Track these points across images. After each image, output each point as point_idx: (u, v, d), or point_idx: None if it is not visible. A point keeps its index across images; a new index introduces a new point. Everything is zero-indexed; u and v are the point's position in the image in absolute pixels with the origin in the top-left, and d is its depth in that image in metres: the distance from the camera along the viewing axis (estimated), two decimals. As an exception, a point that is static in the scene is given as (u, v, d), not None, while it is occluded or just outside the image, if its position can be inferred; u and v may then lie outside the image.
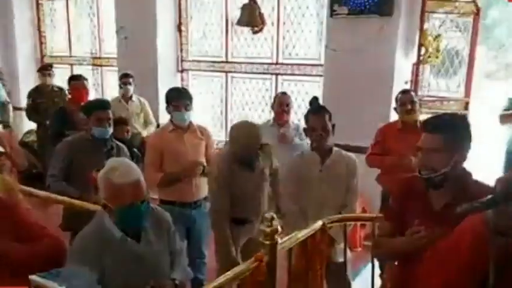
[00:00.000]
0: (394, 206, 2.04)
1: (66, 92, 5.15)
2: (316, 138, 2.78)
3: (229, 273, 1.94)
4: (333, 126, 2.80)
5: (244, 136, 2.84)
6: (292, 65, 5.30)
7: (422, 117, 3.79)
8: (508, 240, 1.00)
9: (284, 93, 4.34)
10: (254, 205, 3.00)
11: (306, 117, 2.84)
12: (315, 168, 2.81)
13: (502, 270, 1.02)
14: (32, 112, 5.64)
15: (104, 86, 6.98)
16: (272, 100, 4.43)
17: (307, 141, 3.96)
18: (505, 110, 4.19)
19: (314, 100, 2.95)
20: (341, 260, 2.80)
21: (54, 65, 6.44)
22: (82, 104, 4.27)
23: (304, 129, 2.89)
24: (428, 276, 1.25)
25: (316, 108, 2.86)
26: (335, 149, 2.85)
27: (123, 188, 1.84)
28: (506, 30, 16.60)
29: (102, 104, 3.26)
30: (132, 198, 1.86)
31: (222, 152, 3.11)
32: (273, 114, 4.26)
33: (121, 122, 4.04)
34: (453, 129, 1.80)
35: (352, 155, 2.92)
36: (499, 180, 1.04)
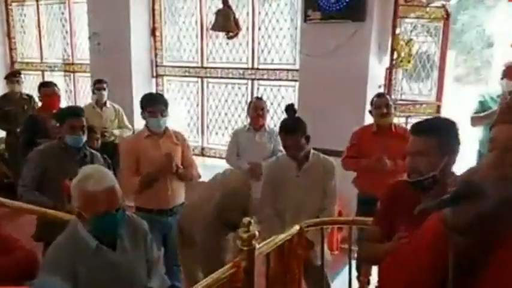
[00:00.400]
0: (382, 210, 2.02)
1: (37, 99, 5.04)
2: (289, 154, 2.84)
3: (207, 280, 1.92)
4: (308, 137, 2.82)
5: (239, 211, 2.61)
6: (267, 70, 5.32)
7: (396, 120, 3.85)
8: (465, 239, 1.01)
9: (259, 98, 4.36)
10: None
11: (280, 134, 2.87)
12: (291, 172, 2.83)
13: (460, 268, 1.03)
14: (1, 120, 5.51)
15: (77, 92, 6.87)
16: (247, 105, 4.44)
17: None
18: (476, 112, 4.28)
19: (289, 108, 2.94)
20: (317, 263, 2.81)
21: (25, 72, 6.30)
22: (54, 111, 4.20)
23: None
24: (391, 278, 1.25)
25: (288, 128, 2.82)
26: (313, 152, 2.86)
27: (97, 196, 1.80)
28: (475, 35, 17.05)
29: (75, 112, 3.19)
30: (107, 206, 1.82)
31: (205, 210, 2.82)
32: (249, 119, 4.26)
33: (89, 131, 3.95)
34: (445, 132, 1.81)
35: (329, 158, 2.94)
36: (458, 178, 1.04)
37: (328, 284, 2.94)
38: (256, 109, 4.09)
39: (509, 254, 1.01)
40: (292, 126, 2.82)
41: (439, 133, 1.80)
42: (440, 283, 1.05)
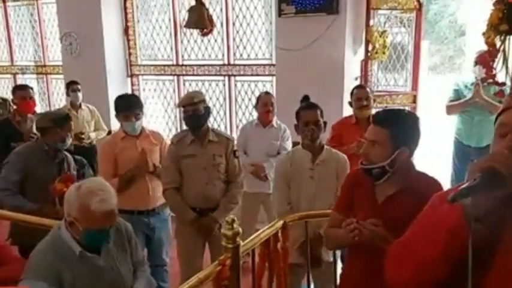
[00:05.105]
0: (343, 196, 2.07)
1: (11, 102, 4.94)
2: (308, 133, 2.72)
3: (193, 279, 1.90)
4: (325, 123, 2.79)
5: (183, 97, 3.18)
6: (244, 65, 5.29)
7: (374, 112, 3.87)
8: (484, 226, 1.04)
9: (267, 93, 4.14)
10: (203, 194, 3.02)
11: (298, 113, 2.80)
12: (305, 166, 2.76)
13: (478, 255, 1.04)
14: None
15: (50, 95, 6.74)
16: (256, 100, 4.16)
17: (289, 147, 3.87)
18: (451, 101, 4.35)
19: (305, 98, 2.98)
20: (329, 259, 2.76)
21: (-4, 75, 6.16)
22: (29, 115, 4.13)
23: (295, 126, 2.82)
24: (398, 261, 1.23)
25: (309, 104, 2.84)
26: (326, 147, 2.82)
27: (98, 215, 1.82)
28: (448, 24, 17.33)
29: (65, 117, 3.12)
30: (104, 225, 1.86)
31: None
32: (256, 114, 4.10)
33: None
34: (400, 125, 1.82)
35: (342, 154, 2.87)
36: (475, 168, 1.04)
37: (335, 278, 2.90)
38: (266, 104, 3.91)
39: None
40: (311, 102, 2.89)
41: (394, 125, 1.81)
42: (450, 268, 1.06)
